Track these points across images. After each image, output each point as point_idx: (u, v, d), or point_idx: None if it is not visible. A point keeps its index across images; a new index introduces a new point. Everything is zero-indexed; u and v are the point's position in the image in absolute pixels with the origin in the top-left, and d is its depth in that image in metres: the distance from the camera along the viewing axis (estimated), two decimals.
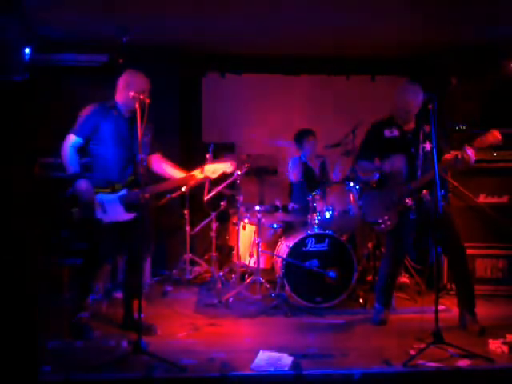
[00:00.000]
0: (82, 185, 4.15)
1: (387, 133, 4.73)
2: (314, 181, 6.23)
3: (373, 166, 4.77)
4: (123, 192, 4.29)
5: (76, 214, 4.18)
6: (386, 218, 4.61)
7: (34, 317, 3.49)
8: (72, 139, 4.25)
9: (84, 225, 4.23)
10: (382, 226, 4.64)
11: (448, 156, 4.50)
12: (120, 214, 4.28)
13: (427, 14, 5.60)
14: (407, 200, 4.55)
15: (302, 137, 6.43)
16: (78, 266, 4.48)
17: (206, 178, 4.46)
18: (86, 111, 4.31)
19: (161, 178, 4.49)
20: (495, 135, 4.38)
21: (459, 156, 4.36)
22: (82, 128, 4.27)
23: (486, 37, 6.18)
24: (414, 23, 5.88)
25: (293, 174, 6.41)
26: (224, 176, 6.26)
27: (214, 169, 4.38)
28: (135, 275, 4.49)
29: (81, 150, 4.30)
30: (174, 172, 4.48)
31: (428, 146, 4.59)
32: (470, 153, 4.35)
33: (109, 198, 4.26)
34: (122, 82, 4.38)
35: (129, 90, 4.23)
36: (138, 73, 4.40)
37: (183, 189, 6.25)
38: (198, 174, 4.37)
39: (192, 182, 4.50)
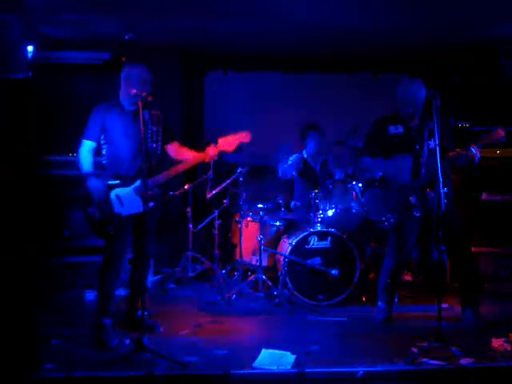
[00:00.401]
0: (93, 183, 4.19)
1: (392, 129, 4.71)
2: (314, 179, 6.22)
3: (375, 165, 4.74)
4: (137, 183, 4.27)
5: (94, 214, 4.18)
6: (389, 216, 4.60)
7: (32, 316, 3.49)
8: (85, 145, 4.33)
9: (103, 224, 4.20)
10: (386, 223, 4.63)
11: (451, 154, 4.49)
12: (138, 206, 4.22)
13: (427, 14, 5.60)
14: (411, 198, 4.54)
15: (305, 131, 6.41)
16: (98, 268, 4.38)
17: (223, 151, 4.40)
18: (92, 114, 4.35)
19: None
20: (500, 133, 4.38)
21: (463, 153, 4.36)
22: (91, 131, 4.33)
23: (487, 36, 6.17)
24: (414, 23, 5.88)
25: (282, 170, 6.37)
26: (227, 173, 6.31)
27: (230, 141, 4.37)
28: (142, 272, 4.51)
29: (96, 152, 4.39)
30: (191, 155, 4.49)
31: (432, 143, 4.56)
32: (474, 150, 4.35)
33: (124, 191, 4.26)
34: (122, 77, 4.39)
35: (129, 84, 4.27)
36: (138, 65, 4.39)
37: (186, 186, 6.27)
38: (211, 150, 4.37)
39: (207, 159, 4.43)
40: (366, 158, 4.81)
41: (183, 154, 4.52)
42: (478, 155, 4.38)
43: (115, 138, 4.33)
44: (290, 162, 6.31)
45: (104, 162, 4.39)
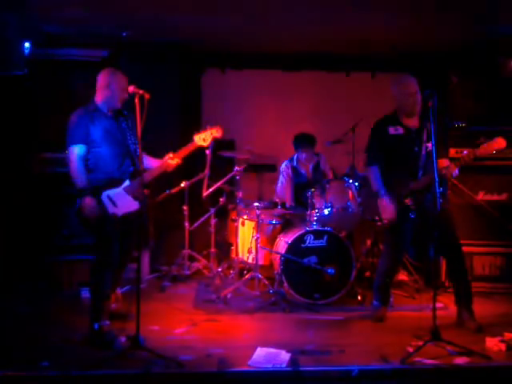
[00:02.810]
0: (87, 201, 4.16)
1: (392, 130, 4.70)
2: (303, 185, 6.23)
3: (378, 187, 4.72)
4: (126, 183, 4.34)
5: (89, 217, 4.20)
6: (383, 216, 4.60)
7: None
8: (76, 150, 4.26)
9: (100, 225, 4.23)
10: (379, 223, 4.63)
11: (441, 163, 4.48)
12: (131, 204, 4.33)
13: (427, 14, 5.60)
14: (406, 200, 4.54)
15: (299, 143, 6.40)
16: (91, 269, 4.39)
17: (199, 146, 4.54)
18: (74, 119, 4.32)
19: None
20: (500, 143, 4.36)
21: (443, 171, 4.40)
22: (79, 135, 4.28)
23: (486, 36, 6.17)
24: (413, 23, 5.89)
25: (281, 186, 6.51)
26: (223, 172, 6.32)
27: (204, 136, 4.51)
28: (124, 268, 4.64)
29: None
30: (152, 162, 4.56)
31: (431, 145, 4.57)
32: (452, 171, 4.43)
33: (115, 191, 4.30)
34: (100, 81, 4.42)
35: (109, 90, 4.36)
36: (117, 71, 4.46)
37: (182, 184, 6.27)
38: (168, 160, 4.46)
39: (169, 169, 4.49)
40: (375, 169, 4.77)
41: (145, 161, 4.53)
42: (457, 172, 4.45)
43: (101, 143, 4.32)
44: (281, 180, 6.50)
45: (88, 164, 4.32)
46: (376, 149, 4.81)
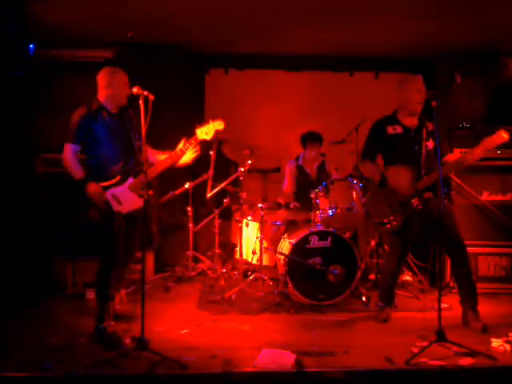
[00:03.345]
0: (92, 187, 4.20)
1: (390, 130, 4.70)
2: (309, 184, 6.22)
3: (376, 172, 4.74)
4: (130, 180, 4.34)
5: (94, 215, 4.23)
6: (391, 218, 4.58)
7: None
8: (70, 148, 4.30)
9: (105, 223, 4.25)
10: (388, 226, 4.61)
11: (451, 157, 4.48)
12: (135, 202, 4.32)
13: (428, 15, 5.59)
14: (413, 201, 4.52)
15: (306, 140, 6.44)
16: (96, 270, 4.38)
17: (202, 140, 4.49)
18: (76, 118, 4.32)
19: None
20: (502, 136, 4.33)
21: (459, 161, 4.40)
22: (77, 135, 4.30)
23: (488, 36, 6.16)
24: (415, 24, 5.88)
25: (286, 183, 6.56)
26: (227, 172, 6.32)
27: (206, 130, 4.45)
28: (127, 267, 4.66)
29: (81, 154, 4.36)
30: (162, 157, 4.54)
31: (430, 144, 4.58)
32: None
33: (119, 189, 4.31)
34: (102, 81, 4.42)
35: (111, 88, 4.36)
36: (116, 69, 4.46)
37: (186, 185, 6.27)
38: (181, 146, 4.42)
39: (182, 157, 4.48)
40: (367, 162, 4.80)
41: (153, 156, 4.54)
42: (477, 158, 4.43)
43: (104, 141, 4.33)
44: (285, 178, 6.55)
45: (91, 163, 4.34)
46: (371, 148, 4.80)
